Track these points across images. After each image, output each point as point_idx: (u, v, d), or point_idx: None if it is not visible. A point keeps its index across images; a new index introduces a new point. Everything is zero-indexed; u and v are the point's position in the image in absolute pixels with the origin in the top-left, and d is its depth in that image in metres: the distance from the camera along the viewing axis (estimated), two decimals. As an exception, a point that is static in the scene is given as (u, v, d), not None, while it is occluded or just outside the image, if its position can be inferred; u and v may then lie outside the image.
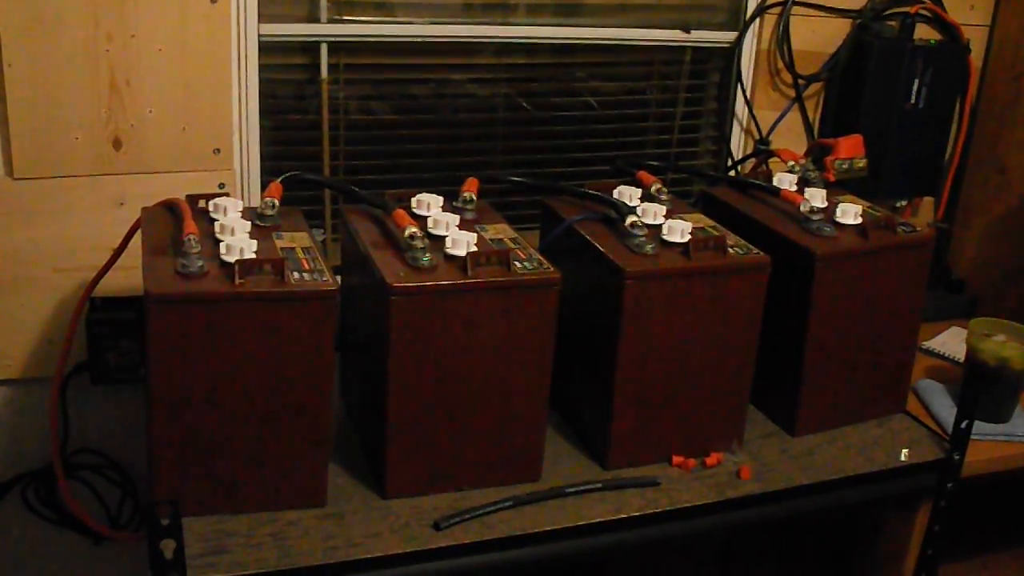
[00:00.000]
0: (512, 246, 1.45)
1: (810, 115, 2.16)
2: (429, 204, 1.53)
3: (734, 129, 2.16)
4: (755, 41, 2.11)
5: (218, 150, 1.75)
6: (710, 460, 1.54)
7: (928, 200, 2.31)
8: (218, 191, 1.72)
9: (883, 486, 1.61)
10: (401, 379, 1.35)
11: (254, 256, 1.31)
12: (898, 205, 2.23)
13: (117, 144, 1.68)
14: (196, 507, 1.31)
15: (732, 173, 2.14)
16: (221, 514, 1.33)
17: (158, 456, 1.29)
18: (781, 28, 2.08)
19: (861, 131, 2.02)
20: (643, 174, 1.75)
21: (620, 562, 1.98)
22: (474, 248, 1.39)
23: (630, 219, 1.51)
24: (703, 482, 1.51)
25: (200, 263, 1.29)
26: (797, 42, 2.09)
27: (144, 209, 1.51)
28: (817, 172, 1.86)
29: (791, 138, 2.14)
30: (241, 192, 1.81)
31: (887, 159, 2.11)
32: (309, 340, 1.28)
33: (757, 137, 2.14)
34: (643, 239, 1.49)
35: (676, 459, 1.54)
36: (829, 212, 1.66)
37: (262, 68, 1.78)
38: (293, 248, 1.39)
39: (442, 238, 1.42)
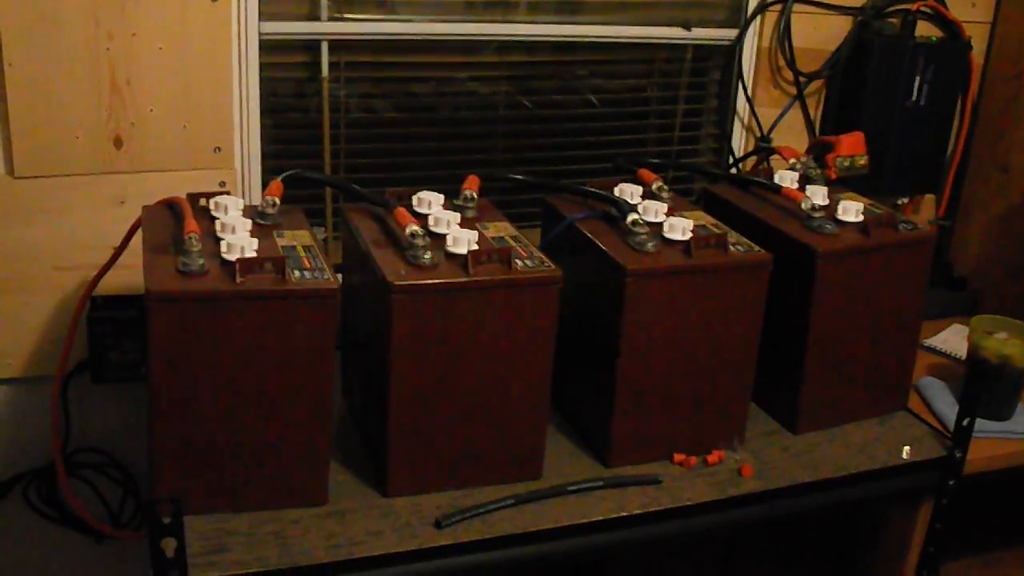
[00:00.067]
0: (513, 244, 1.45)
1: (811, 112, 2.16)
2: (430, 202, 1.53)
3: (735, 127, 2.16)
4: (756, 38, 2.10)
5: (219, 148, 1.75)
6: (712, 458, 1.54)
7: (929, 197, 2.31)
8: (219, 189, 1.71)
9: (885, 484, 1.61)
10: (402, 377, 1.35)
11: (255, 255, 1.31)
12: (899, 202, 2.23)
13: (118, 143, 1.68)
14: (197, 505, 1.31)
15: (733, 171, 2.14)
16: (222, 512, 1.33)
17: (159, 454, 1.29)
18: (782, 25, 2.08)
19: (862, 128, 2.02)
20: (644, 172, 1.75)
21: (622, 560, 1.97)
22: (475, 246, 1.39)
23: (631, 217, 1.51)
24: (705, 480, 1.51)
25: (201, 261, 1.28)
26: (798, 39, 2.09)
27: (145, 208, 1.51)
28: (818, 169, 1.86)
29: (792, 135, 2.14)
30: (242, 190, 1.81)
31: (888, 156, 2.10)
32: (310, 338, 1.28)
33: (758, 135, 2.14)
34: (644, 237, 1.49)
35: (677, 457, 1.54)
36: (830, 210, 1.66)
37: (263, 66, 1.78)
38: (294, 246, 1.39)
39: (443, 236, 1.42)
